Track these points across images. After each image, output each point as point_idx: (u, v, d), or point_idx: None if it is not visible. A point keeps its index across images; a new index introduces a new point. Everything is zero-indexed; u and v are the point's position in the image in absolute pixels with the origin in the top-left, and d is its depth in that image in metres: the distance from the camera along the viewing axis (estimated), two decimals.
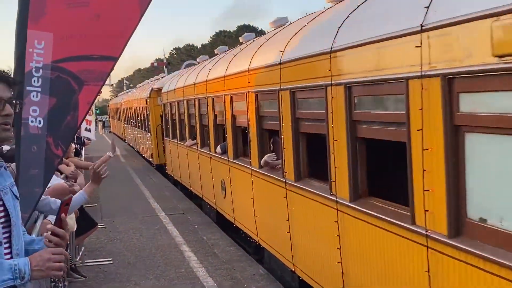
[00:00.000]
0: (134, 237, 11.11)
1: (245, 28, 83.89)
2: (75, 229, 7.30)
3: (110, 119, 57.15)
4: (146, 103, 22.43)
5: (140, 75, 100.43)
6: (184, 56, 71.64)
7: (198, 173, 13.36)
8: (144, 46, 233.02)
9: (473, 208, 3.69)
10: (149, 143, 22.99)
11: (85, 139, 16.17)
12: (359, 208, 5.15)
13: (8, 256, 2.84)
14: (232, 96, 9.59)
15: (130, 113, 31.81)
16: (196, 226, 11.79)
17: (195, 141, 13.36)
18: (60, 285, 6.18)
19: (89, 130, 15.99)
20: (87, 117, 15.21)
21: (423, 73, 3.97)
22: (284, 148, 7.06)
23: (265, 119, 8.11)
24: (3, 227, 2.85)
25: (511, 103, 3.27)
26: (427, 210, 4.04)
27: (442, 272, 3.91)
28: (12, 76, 3.01)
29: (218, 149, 10.79)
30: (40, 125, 3.97)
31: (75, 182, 7.51)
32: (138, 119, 27.26)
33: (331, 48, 5.44)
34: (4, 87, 2.88)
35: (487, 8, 3.31)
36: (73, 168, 8.01)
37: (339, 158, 5.49)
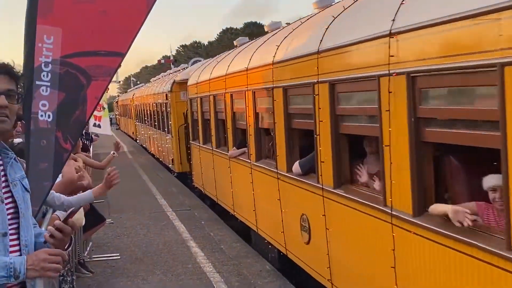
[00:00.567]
0: (142, 233, 11.17)
1: (252, 26, 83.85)
2: (83, 224, 7.35)
3: (118, 116, 55.91)
4: (166, 98, 18.78)
5: (147, 72, 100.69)
6: (191, 54, 71.71)
7: (249, 196, 9.35)
8: (151, 44, 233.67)
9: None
10: (169, 146, 19.30)
11: (93, 135, 16.27)
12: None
13: (17, 247, 2.87)
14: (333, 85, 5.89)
15: (144, 110, 27.88)
16: (203, 222, 11.84)
17: (244, 150, 9.61)
18: (69, 279, 6.24)
19: (99, 126, 16.03)
20: (97, 113, 15.29)
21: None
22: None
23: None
24: (11, 218, 2.89)
25: None
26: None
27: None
28: (16, 70, 3.02)
29: (296, 167, 7.19)
30: (50, 119, 4.01)
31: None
32: (154, 118, 23.46)
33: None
34: (4, 78, 2.89)
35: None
36: (80, 163, 8.05)
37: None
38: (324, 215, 6.26)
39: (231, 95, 10.05)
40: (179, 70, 21.88)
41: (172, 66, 36.27)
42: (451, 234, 3.99)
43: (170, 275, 8.40)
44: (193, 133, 14.57)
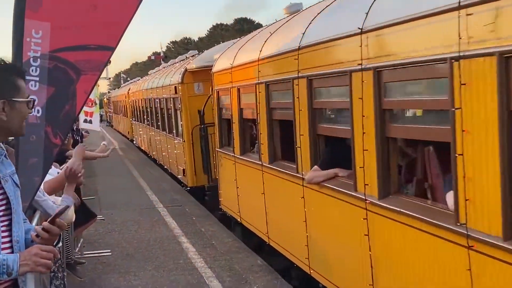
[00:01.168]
0: (133, 229, 11.14)
1: (242, 21, 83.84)
2: (73, 220, 7.31)
3: (113, 114, 52.75)
4: (175, 92, 14.80)
5: (138, 69, 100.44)
6: (181, 50, 71.54)
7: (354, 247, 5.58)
8: (141, 41, 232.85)
9: None
10: (178, 152, 15.55)
11: (83, 132, 16.20)
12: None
13: (8, 244, 2.87)
14: None
15: (143, 107, 23.62)
16: (194, 218, 11.83)
17: (336, 172, 5.91)
18: (60, 275, 6.21)
19: (90, 122, 15.91)
20: (88, 109, 15.22)
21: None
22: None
23: None
24: (3, 215, 2.88)
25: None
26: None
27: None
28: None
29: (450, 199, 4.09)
30: (39, 114, 3.99)
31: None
32: (157, 116, 19.39)
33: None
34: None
35: None
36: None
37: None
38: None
39: (309, 82, 6.19)
40: (194, 55, 17.11)
41: (162, 62, 36.22)
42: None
43: (161, 271, 8.39)
44: (221, 137, 10.36)
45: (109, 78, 71.00)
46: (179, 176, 15.97)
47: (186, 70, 14.34)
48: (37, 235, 2.92)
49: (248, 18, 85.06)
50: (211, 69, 10.91)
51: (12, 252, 2.85)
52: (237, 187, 9.45)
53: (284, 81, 6.95)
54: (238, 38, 11.57)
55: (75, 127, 13.20)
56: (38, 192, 4.24)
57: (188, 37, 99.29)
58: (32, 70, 4.00)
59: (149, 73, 29.64)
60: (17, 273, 2.75)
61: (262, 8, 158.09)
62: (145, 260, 8.97)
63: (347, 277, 5.78)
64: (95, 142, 17.66)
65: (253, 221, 8.99)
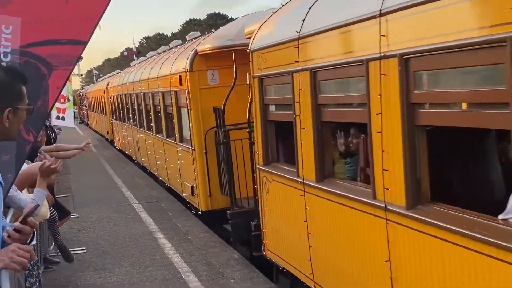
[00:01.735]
0: (108, 226, 11.08)
1: (215, 16, 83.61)
2: (48, 217, 7.24)
3: (89, 111, 49.99)
4: (180, 83, 10.90)
5: (110, 65, 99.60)
6: (154, 45, 71.05)
7: None
8: (114, 37, 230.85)
9: None
10: (183, 163, 11.73)
11: (55, 129, 16.01)
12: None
13: None
14: None
15: (127, 103, 19.72)
16: (170, 214, 11.80)
17: None
18: (35, 273, 6.16)
19: (63, 119, 15.71)
20: (60, 105, 15.04)
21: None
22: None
23: None
24: None
25: None
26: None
27: None
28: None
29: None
30: None
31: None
32: (148, 115, 15.56)
33: None
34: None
35: None
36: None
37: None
38: None
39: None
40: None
41: (135, 57, 36.00)
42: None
43: (137, 267, 8.35)
44: (266, 149, 6.93)
45: (81, 75, 70.38)
46: (183, 195, 12.05)
47: (196, 53, 10.50)
48: (9, 236, 2.89)
49: (222, 13, 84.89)
50: (232, 50, 8.92)
51: None
52: (308, 233, 5.91)
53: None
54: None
55: (47, 124, 13.04)
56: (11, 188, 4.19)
57: (161, 33, 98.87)
58: None
59: (131, 64, 25.26)
60: None
61: (237, 4, 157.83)
62: (121, 256, 8.93)
63: None
64: (68, 139, 17.48)
65: None
